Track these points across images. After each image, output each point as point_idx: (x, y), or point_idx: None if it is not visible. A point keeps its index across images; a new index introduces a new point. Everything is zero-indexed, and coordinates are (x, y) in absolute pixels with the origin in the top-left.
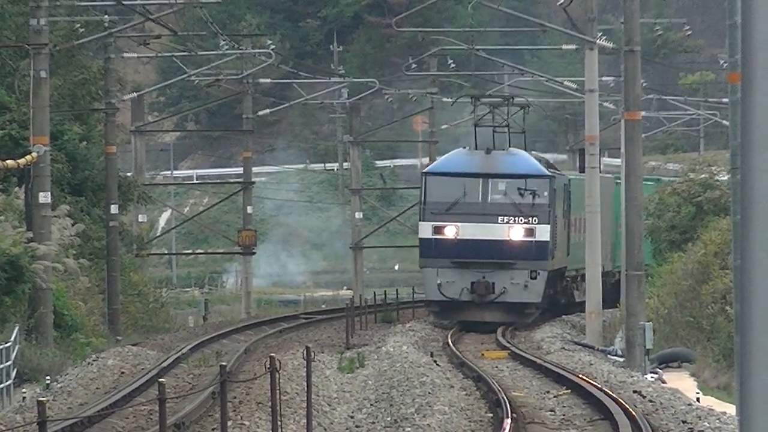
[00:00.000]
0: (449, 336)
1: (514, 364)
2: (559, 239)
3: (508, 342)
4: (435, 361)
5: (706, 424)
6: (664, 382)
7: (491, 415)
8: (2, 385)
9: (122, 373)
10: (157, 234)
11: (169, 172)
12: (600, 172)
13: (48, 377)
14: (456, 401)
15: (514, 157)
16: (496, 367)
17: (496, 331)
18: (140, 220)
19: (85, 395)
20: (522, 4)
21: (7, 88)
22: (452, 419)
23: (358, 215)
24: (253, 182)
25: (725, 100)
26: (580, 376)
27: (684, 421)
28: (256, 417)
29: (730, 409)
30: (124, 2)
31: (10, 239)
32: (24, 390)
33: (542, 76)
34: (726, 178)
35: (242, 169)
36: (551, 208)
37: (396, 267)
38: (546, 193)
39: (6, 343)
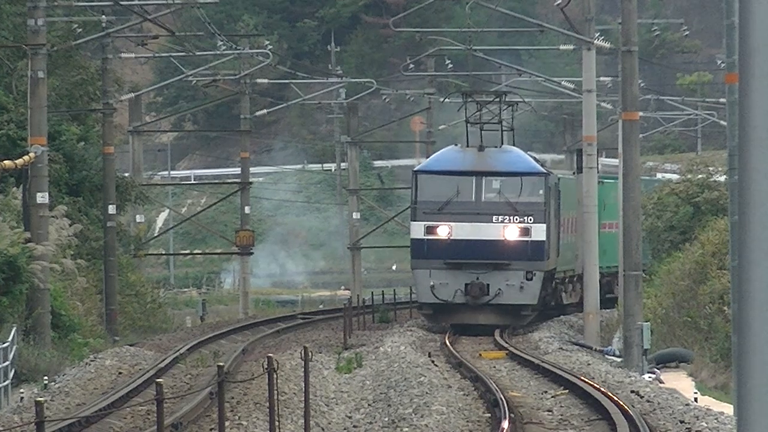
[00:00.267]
0: (447, 336)
1: (511, 364)
2: (551, 239)
3: (506, 342)
4: (433, 362)
5: (703, 424)
6: (661, 382)
7: (489, 415)
8: (0, 386)
9: (120, 373)
10: (155, 234)
11: (167, 172)
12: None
13: (46, 377)
14: (454, 401)
15: (507, 155)
16: (494, 367)
17: (494, 332)
18: (138, 220)
19: (83, 395)
20: (520, 5)
21: (5, 89)
22: (450, 419)
23: (356, 215)
24: (251, 182)
25: (723, 100)
26: (578, 376)
27: (681, 421)
28: (254, 417)
29: (728, 409)
30: (122, 2)
31: (7, 239)
32: (22, 390)
33: (540, 77)
34: (723, 178)
35: (240, 169)
36: (547, 207)
37: (394, 267)
38: (541, 192)
39: (3, 343)
